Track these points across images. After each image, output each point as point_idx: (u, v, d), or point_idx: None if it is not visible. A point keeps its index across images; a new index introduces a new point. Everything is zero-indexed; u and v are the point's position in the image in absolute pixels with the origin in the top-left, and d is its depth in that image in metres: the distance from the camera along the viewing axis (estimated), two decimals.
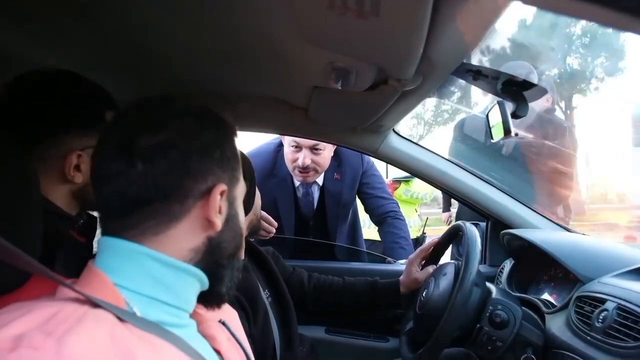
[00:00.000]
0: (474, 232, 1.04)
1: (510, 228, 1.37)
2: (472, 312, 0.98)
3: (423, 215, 3.36)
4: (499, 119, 0.99)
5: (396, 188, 3.09)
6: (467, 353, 1.20)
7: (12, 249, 0.38)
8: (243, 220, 0.63)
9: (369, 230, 2.40)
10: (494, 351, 0.96)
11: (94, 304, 0.45)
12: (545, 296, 1.16)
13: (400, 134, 1.43)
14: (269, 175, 1.86)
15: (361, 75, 0.78)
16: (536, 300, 1.10)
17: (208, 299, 0.60)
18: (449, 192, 1.48)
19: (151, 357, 0.44)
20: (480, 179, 1.44)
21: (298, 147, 1.75)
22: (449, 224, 2.60)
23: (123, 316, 0.45)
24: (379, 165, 2.06)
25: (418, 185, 3.09)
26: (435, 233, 1.43)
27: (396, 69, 0.74)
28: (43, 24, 0.73)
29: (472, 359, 1.18)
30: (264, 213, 1.31)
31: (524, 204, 1.43)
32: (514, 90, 0.89)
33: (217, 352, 0.60)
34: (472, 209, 1.48)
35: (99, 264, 0.51)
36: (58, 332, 0.38)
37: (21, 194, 0.55)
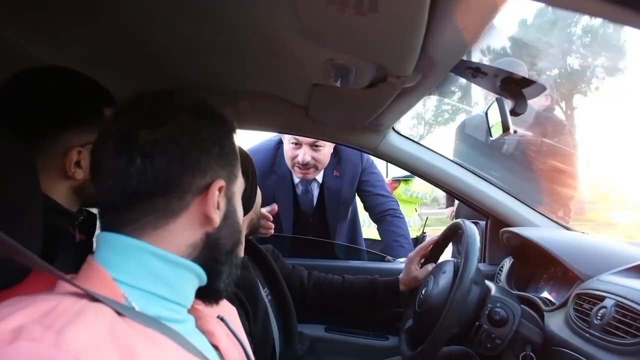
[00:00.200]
0: (473, 230, 1.04)
1: (510, 226, 1.37)
2: (471, 310, 0.98)
3: (423, 215, 3.36)
4: (498, 117, 0.99)
5: (396, 187, 3.09)
6: (466, 351, 1.21)
7: (12, 244, 0.38)
8: (241, 216, 0.63)
9: (369, 230, 2.40)
10: (493, 349, 0.97)
11: (93, 298, 0.45)
12: (545, 294, 1.16)
13: (400, 132, 1.43)
14: (268, 173, 1.86)
15: (360, 73, 0.78)
16: (535, 298, 1.10)
17: (206, 295, 0.60)
18: (449, 191, 1.48)
19: (150, 350, 0.44)
20: (480, 177, 1.44)
21: (298, 144, 1.75)
22: (452, 219, 2.60)
23: (122, 310, 0.46)
24: (379, 165, 2.07)
25: (418, 185, 3.09)
26: (435, 233, 1.43)
27: (395, 66, 0.75)
28: (42, 20, 0.73)
29: (471, 356, 1.19)
30: (263, 211, 1.31)
31: (523, 202, 1.43)
32: (513, 88, 0.89)
33: (215, 347, 0.60)
34: (472, 207, 1.48)
35: (98, 258, 0.51)
36: (57, 325, 0.39)
37: (21, 191, 0.55)
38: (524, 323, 0.97)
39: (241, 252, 1.06)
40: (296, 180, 1.89)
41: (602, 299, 0.87)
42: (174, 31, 0.75)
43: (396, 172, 3.10)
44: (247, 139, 2.07)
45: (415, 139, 1.46)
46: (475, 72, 0.88)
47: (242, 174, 0.64)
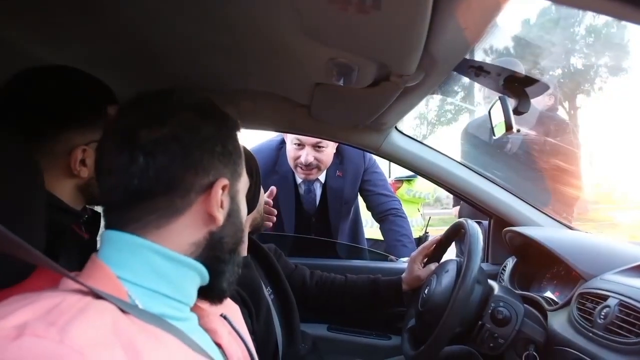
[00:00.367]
0: (476, 230, 1.04)
1: (513, 226, 1.37)
2: (474, 309, 0.98)
3: (425, 214, 3.35)
4: (501, 116, 0.99)
5: (398, 187, 3.09)
6: (469, 350, 1.20)
7: (17, 241, 0.38)
8: (245, 215, 0.63)
9: (372, 230, 2.40)
10: (496, 348, 0.96)
11: (97, 296, 0.45)
12: (548, 294, 1.16)
13: (403, 131, 1.43)
14: (270, 172, 1.86)
15: (363, 72, 0.78)
16: (538, 297, 1.10)
17: (209, 294, 0.60)
18: (451, 190, 1.48)
19: (153, 347, 0.45)
20: (483, 176, 1.44)
21: (301, 145, 1.75)
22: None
23: (125, 308, 0.46)
24: (382, 165, 2.06)
25: (420, 185, 3.08)
26: (437, 233, 1.43)
27: (398, 65, 0.74)
28: (42, 20, 0.73)
29: (473, 356, 1.18)
30: (267, 198, 1.30)
31: (526, 202, 1.42)
32: (516, 87, 0.89)
33: (218, 345, 0.60)
34: (475, 206, 1.48)
35: (102, 256, 0.52)
36: (61, 322, 0.39)
37: (21, 191, 0.56)
38: (526, 322, 0.97)
39: (244, 250, 1.06)
40: (298, 180, 1.89)
41: (605, 298, 0.87)
42: (174, 31, 0.75)
43: (399, 172, 3.10)
44: (249, 139, 2.08)
45: (419, 139, 1.46)
46: (478, 70, 0.87)
47: (246, 172, 0.64)
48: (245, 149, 0.67)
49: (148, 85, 0.67)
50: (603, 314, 0.85)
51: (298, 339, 1.14)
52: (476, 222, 1.12)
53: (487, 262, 1.55)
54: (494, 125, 1.05)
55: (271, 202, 1.37)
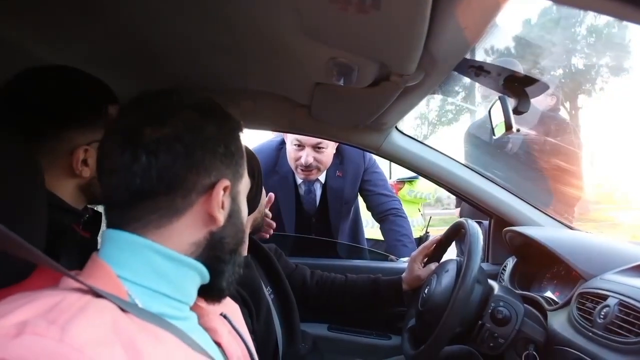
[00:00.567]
0: (476, 229, 1.04)
1: (513, 225, 1.37)
2: (474, 309, 0.98)
3: (426, 215, 3.35)
4: (501, 116, 0.99)
5: (400, 189, 3.09)
6: (469, 350, 1.20)
7: (17, 240, 0.39)
8: (246, 216, 0.63)
9: (372, 230, 2.40)
10: (496, 348, 0.96)
11: (97, 295, 0.45)
12: (548, 293, 1.16)
13: (403, 131, 1.43)
14: (270, 173, 1.86)
15: (363, 71, 0.78)
16: (538, 297, 1.10)
17: (209, 293, 0.60)
18: (452, 190, 1.48)
19: (153, 346, 0.45)
20: (483, 176, 1.44)
21: (301, 146, 1.75)
22: None
23: (125, 307, 0.46)
24: (383, 165, 2.06)
25: (421, 185, 3.08)
26: (438, 233, 1.43)
27: (398, 64, 0.74)
28: (42, 20, 0.73)
29: (473, 355, 1.18)
30: (265, 210, 1.31)
31: (526, 202, 1.42)
32: (516, 86, 0.89)
33: (218, 344, 0.61)
34: (475, 206, 1.48)
35: (102, 255, 0.52)
36: (61, 320, 0.39)
37: (22, 191, 0.56)
38: (526, 322, 0.97)
39: (244, 251, 1.07)
40: (299, 180, 1.89)
41: (605, 298, 0.87)
42: (174, 31, 0.75)
43: (400, 173, 3.10)
44: (249, 139, 2.08)
45: (419, 139, 1.46)
46: (478, 70, 0.87)
47: (248, 173, 0.64)
48: (247, 149, 0.67)
49: (148, 85, 0.67)
50: (603, 313, 0.85)
51: (298, 339, 1.14)
52: (476, 222, 1.12)
53: (487, 262, 1.55)
54: (494, 125, 1.05)
55: (270, 214, 1.35)
